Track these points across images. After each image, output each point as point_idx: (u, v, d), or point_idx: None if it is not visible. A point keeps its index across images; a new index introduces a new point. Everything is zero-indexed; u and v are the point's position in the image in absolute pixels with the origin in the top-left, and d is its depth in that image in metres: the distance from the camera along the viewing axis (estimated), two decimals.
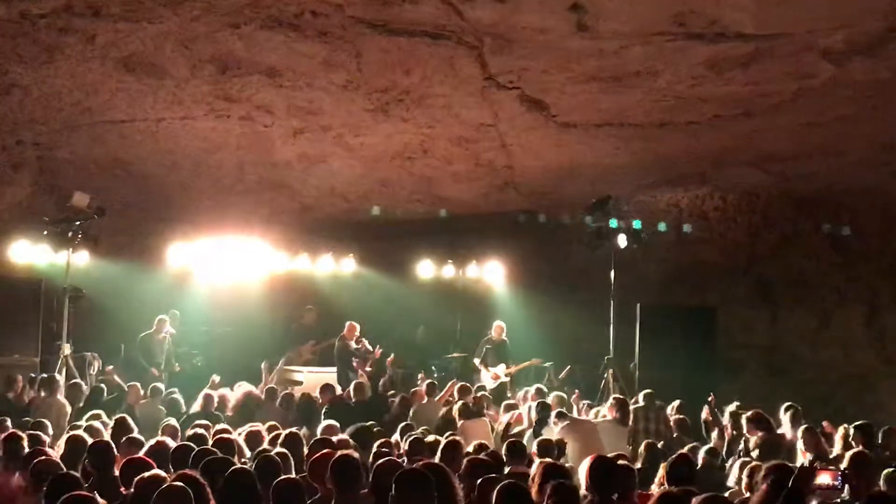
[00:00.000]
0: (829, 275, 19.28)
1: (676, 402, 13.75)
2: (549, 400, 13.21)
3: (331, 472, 6.51)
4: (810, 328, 19.30)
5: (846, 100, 13.50)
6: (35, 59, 12.19)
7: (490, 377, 17.55)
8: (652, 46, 11.79)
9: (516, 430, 12.10)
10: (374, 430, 11.46)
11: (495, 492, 5.96)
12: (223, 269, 18.69)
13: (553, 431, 11.28)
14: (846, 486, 6.55)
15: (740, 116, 14.29)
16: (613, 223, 16.69)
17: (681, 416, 13.08)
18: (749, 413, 11.71)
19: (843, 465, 8.21)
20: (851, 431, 10.74)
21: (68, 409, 13.12)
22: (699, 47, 11.75)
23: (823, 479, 5.88)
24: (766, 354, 19.34)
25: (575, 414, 13.18)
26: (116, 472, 7.46)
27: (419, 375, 17.82)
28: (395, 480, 5.67)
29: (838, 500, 6.83)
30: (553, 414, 11.90)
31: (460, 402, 13.25)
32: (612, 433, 11.93)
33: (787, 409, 11.71)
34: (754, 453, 10.48)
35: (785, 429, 11.43)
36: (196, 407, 13.64)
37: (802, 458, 10.19)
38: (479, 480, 6.73)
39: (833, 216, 19.00)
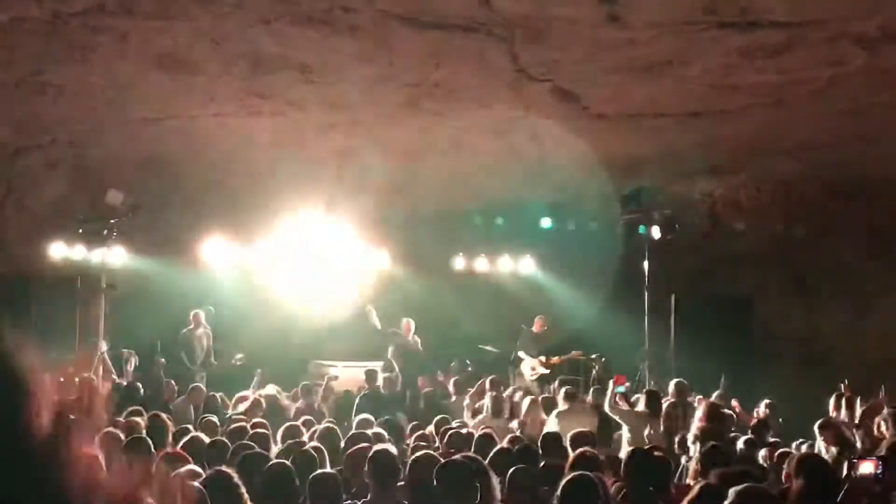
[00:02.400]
0: (867, 264, 19.05)
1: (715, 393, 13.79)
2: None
3: (368, 466, 6.52)
4: (848, 318, 19.08)
5: (881, 87, 13.35)
6: (68, 58, 12.26)
7: (530, 370, 17.53)
8: (683, 36, 11.69)
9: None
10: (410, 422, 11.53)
11: (561, 485, 5.82)
12: (261, 264, 18.72)
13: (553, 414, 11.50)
14: (885, 474, 6.48)
15: (773, 105, 14.16)
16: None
17: (730, 412, 13.05)
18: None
19: (882, 453, 8.13)
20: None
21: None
22: (731, 36, 11.64)
23: (866, 468, 5.83)
24: (804, 345, 19.14)
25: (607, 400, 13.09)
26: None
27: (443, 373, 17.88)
28: (437, 473, 5.65)
29: (878, 489, 6.78)
30: (562, 392, 12.03)
31: (489, 400, 13.19)
32: (642, 425, 11.89)
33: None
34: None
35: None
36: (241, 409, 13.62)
37: (825, 451, 10.05)
38: (510, 471, 6.71)
39: (869, 205, 18.80)
